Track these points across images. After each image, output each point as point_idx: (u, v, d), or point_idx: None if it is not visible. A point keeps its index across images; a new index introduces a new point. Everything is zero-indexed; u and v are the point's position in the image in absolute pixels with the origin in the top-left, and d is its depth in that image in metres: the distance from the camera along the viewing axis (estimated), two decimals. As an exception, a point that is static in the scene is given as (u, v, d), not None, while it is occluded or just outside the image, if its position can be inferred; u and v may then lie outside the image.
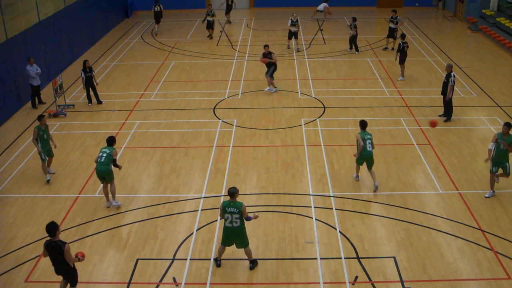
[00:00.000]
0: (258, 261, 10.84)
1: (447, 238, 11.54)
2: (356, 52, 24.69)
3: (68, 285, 9.65)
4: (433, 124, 14.94)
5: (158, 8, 29.20)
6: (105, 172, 12.51)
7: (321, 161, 14.86)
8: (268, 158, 15.16)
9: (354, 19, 24.57)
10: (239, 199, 10.64)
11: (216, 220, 12.28)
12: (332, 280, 10.39)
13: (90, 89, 19.20)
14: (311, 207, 12.79)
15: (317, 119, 17.56)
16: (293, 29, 24.88)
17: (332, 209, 12.68)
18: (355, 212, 12.55)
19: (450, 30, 29.33)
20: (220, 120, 17.69)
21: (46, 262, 11.05)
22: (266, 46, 19.84)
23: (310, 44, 26.49)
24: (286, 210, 12.70)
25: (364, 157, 13.16)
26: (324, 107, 18.51)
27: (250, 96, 19.89)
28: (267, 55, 19.55)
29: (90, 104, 19.34)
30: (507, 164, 12.69)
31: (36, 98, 19.33)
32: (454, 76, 16.78)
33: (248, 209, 10.53)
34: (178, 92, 20.38)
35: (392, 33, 24.69)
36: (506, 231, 11.73)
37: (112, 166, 12.59)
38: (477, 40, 27.11)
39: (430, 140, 15.97)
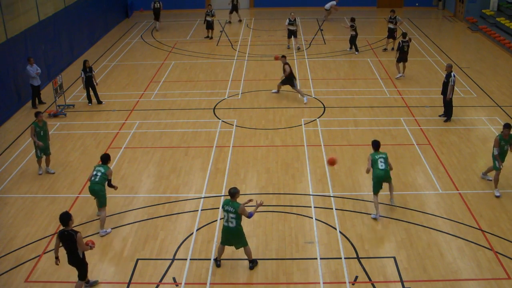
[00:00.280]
0: (258, 261, 10.84)
1: (447, 238, 11.55)
2: (356, 52, 24.70)
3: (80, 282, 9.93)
4: (331, 162, 12.42)
5: (158, 4, 29.55)
6: (97, 191, 11.75)
7: (321, 161, 14.86)
8: (268, 158, 15.16)
9: (353, 20, 24.64)
10: (240, 199, 10.64)
11: (216, 220, 12.28)
12: (332, 280, 10.39)
13: (90, 89, 19.20)
14: (311, 207, 12.79)
15: (317, 119, 17.56)
16: (292, 27, 24.95)
17: (332, 209, 12.68)
18: (355, 212, 12.55)
19: (450, 30, 29.33)
20: (220, 120, 17.69)
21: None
22: (283, 56, 19.44)
23: (310, 44, 26.49)
24: (286, 210, 12.71)
25: (379, 178, 12.05)
26: (324, 107, 18.51)
27: (250, 96, 19.89)
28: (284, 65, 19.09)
29: (90, 104, 19.34)
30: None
31: (36, 98, 19.34)
32: (454, 76, 16.79)
33: (248, 209, 10.49)
34: (178, 92, 20.38)
35: (391, 34, 24.70)
36: (506, 231, 11.73)
37: (107, 187, 11.89)
38: (477, 40, 27.11)
39: (430, 140, 15.97)
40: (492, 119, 17.40)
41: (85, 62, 18.97)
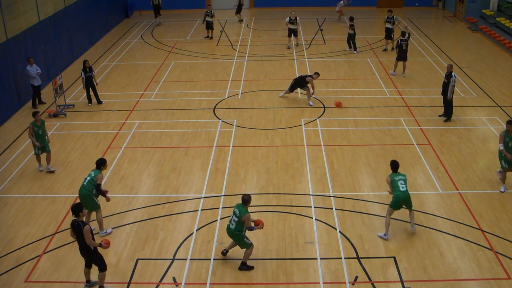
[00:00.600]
0: (256, 263, 10.81)
1: (447, 238, 11.54)
2: (355, 51, 24.71)
3: (96, 272, 10.03)
4: (338, 105, 12.84)
5: (157, 1, 29.72)
6: (84, 196, 11.37)
7: (321, 161, 14.86)
8: (268, 158, 15.16)
9: (352, 19, 24.69)
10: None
11: (216, 220, 12.28)
12: (332, 280, 10.39)
13: (90, 89, 19.20)
14: (311, 207, 12.79)
15: (317, 119, 17.56)
16: (292, 26, 25.01)
17: (332, 209, 12.68)
18: (355, 212, 12.54)
19: (450, 30, 29.33)
20: (220, 120, 17.69)
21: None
22: (316, 73, 19.08)
23: (310, 44, 26.49)
24: (286, 210, 12.70)
25: (400, 200, 11.32)
26: (324, 107, 18.50)
27: (250, 96, 19.89)
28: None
29: (90, 104, 19.34)
30: None
31: (36, 98, 19.33)
32: (455, 76, 16.80)
33: (249, 208, 10.49)
34: (178, 92, 20.38)
35: (389, 34, 24.72)
36: (506, 231, 11.73)
37: (96, 193, 11.42)
38: (477, 40, 27.11)
39: (430, 140, 15.97)
40: (492, 119, 17.40)
41: (85, 62, 18.97)
